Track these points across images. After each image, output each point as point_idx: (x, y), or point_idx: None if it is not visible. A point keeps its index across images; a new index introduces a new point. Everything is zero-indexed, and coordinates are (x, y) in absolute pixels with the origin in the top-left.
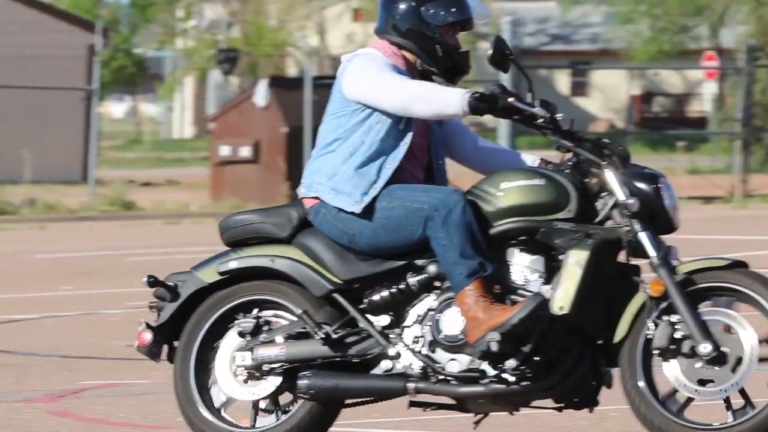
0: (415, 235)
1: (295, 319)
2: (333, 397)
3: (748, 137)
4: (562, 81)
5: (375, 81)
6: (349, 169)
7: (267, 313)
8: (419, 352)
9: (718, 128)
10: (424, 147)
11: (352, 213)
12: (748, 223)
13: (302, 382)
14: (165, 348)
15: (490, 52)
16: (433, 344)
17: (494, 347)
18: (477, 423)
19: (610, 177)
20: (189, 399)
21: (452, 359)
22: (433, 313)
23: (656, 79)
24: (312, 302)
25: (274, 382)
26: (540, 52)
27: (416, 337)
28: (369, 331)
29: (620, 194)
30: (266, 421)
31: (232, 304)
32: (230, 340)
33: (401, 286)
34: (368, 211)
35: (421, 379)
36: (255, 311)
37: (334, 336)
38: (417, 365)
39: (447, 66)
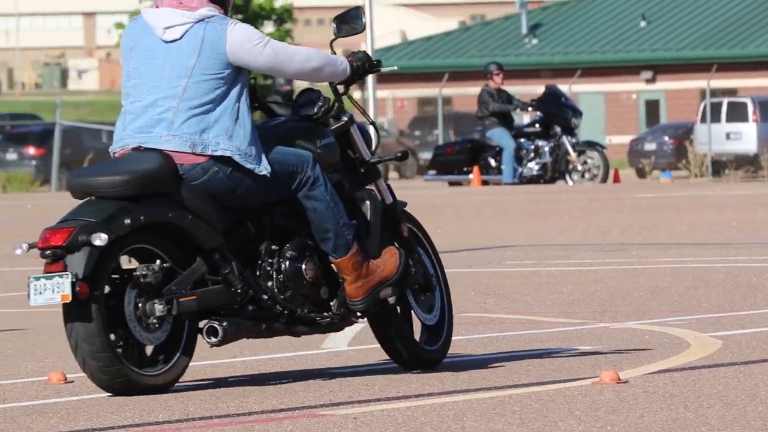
0: (286, 193)
1: (172, 268)
2: (233, 339)
3: None
4: None
5: (281, 50)
6: (244, 132)
7: (159, 264)
8: (281, 297)
9: None
10: None
11: (251, 173)
12: None
13: (213, 326)
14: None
15: None
16: (292, 290)
17: (391, 299)
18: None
19: (357, 136)
20: (103, 345)
21: (304, 303)
22: (292, 262)
23: None
24: (184, 255)
25: (167, 329)
26: None
27: (278, 283)
28: (245, 279)
29: (366, 153)
30: (158, 366)
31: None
32: (138, 290)
33: (257, 235)
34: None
35: (275, 320)
36: (158, 262)
37: (235, 286)
38: (277, 309)
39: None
